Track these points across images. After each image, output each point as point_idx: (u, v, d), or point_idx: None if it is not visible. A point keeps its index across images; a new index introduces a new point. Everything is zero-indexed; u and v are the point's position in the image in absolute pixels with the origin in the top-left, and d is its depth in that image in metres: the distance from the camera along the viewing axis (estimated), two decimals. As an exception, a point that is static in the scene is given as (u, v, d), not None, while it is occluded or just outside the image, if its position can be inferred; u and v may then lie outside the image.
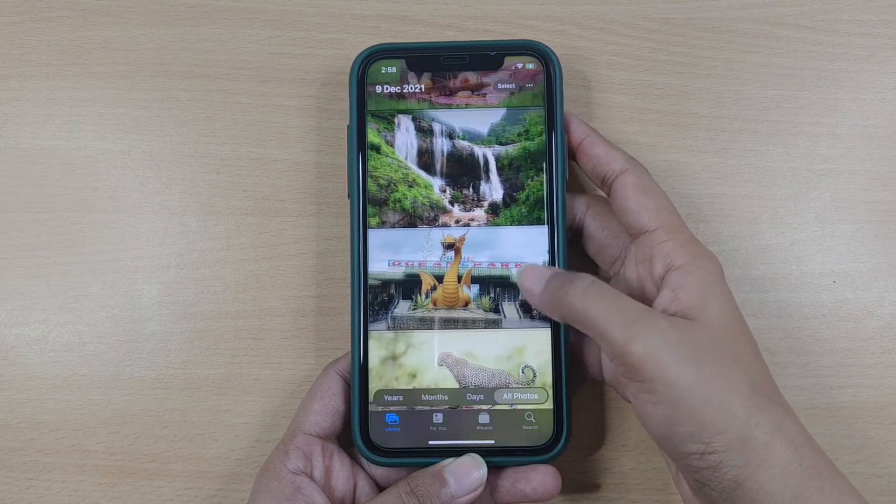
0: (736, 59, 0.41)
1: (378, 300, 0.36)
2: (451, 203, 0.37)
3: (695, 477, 0.31)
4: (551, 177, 0.36)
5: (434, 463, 0.34)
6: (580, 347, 0.36)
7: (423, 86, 0.37)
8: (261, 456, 0.39)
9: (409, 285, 0.36)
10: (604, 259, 0.37)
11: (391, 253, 0.36)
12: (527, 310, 0.36)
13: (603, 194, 0.37)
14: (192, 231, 0.41)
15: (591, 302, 0.32)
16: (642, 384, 0.30)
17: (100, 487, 0.39)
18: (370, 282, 0.36)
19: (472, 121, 0.37)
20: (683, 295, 0.32)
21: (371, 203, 0.36)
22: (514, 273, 0.36)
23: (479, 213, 0.36)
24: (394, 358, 0.36)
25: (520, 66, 0.37)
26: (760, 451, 0.30)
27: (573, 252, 0.37)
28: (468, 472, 0.34)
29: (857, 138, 0.41)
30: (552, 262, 0.36)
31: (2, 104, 0.41)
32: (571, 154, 0.37)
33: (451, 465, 0.34)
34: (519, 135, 0.37)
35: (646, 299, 0.34)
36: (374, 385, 0.35)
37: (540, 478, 0.35)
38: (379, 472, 0.36)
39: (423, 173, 0.37)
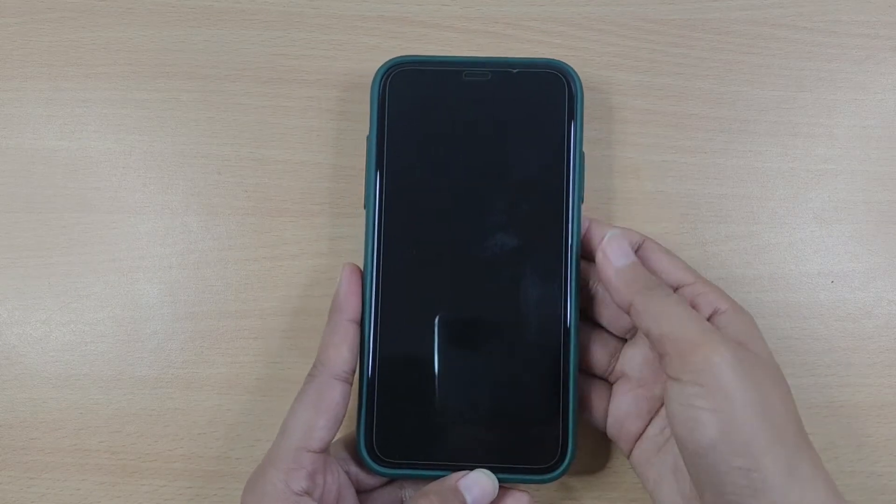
0: (734, 60, 0.41)
1: None
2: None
3: (729, 499, 0.30)
4: (567, 198, 0.36)
5: (436, 475, 0.34)
6: (588, 394, 0.36)
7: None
8: (262, 455, 0.39)
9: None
10: (619, 327, 0.37)
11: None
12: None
13: None
14: (193, 231, 0.41)
15: (671, 306, 0.32)
16: (702, 388, 0.30)
17: (101, 486, 0.39)
18: None
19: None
20: (731, 331, 0.33)
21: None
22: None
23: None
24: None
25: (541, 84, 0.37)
26: (802, 484, 0.30)
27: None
28: (482, 486, 0.34)
29: (856, 139, 0.41)
30: (565, 291, 0.36)
31: (4, 105, 0.41)
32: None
33: (464, 480, 0.34)
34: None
35: None
36: (381, 395, 0.36)
37: None
38: (364, 479, 0.36)
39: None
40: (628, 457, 0.36)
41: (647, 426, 0.35)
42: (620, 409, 0.36)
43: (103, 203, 0.41)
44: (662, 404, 0.35)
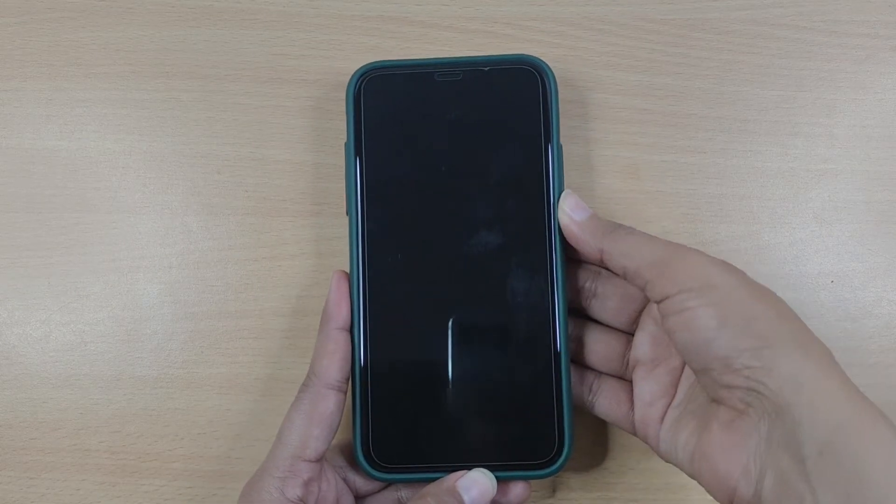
0: (734, 60, 0.41)
1: None
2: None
3: (747, 385, 0.30)
4: (548, 191, 0.36)
5: (434, 477, 0.34)
6: (610, 395, 0.36)
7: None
8: (262, 455, 0.39)
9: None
10: (625, 318, 0.36)
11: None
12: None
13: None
14: (193, 231, 0.41)
15: (637, 238, 0.34)
16: (689, 291, 0.31)
17: (101, 486, 0.39)
18: None
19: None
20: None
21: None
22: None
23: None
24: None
25: (514, 81, 0.37)
26: (818, 359, 0.30)
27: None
28: (480, 486, 0.34)
29: (855, 138, 0.41)
30: (552, 284, 0.36)
31: (3, 105, 0.41)
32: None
33: (462, 480, 0.34)
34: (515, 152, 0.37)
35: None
36: (376, 401, 0.36)
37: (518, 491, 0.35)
38: (362, 484, 0.36)
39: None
40: (658, 449, 0.34)
41: (670, 402, 0.34)
42: (644, 398, 0.35)
43: (103, 203, 0.41)
44: (681, 374, 0.34)
